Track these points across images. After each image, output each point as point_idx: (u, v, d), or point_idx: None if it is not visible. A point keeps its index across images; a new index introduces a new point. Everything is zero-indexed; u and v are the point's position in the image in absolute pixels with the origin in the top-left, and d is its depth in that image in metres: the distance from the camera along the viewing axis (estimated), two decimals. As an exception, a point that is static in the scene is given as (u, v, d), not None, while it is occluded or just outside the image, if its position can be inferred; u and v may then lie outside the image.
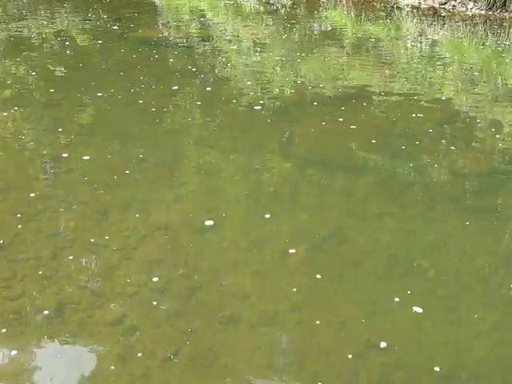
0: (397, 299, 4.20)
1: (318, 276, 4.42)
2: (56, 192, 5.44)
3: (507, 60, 9.67)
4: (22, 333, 3.92)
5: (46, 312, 4.06)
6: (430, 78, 8.92)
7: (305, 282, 4.39)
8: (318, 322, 4.02)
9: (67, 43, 10.28)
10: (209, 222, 4.98)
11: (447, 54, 10.12)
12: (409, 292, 4.27)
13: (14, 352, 3.79)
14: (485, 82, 8.76)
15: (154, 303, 4.15)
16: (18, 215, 5.02)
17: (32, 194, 5.33)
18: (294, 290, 4.30)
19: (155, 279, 4.36)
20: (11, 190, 5.44)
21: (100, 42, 10.34)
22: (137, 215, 5.09)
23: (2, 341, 3.88)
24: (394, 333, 3.95)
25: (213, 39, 10.71)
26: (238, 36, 11.06)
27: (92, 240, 4.73)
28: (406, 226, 5.07)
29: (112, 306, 4.13)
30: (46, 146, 6.34)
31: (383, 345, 3.83)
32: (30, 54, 9.63)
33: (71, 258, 4.54)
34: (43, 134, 6.66)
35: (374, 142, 6.47)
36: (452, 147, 6.45)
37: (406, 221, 5.15)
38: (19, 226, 4.87)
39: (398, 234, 4.99)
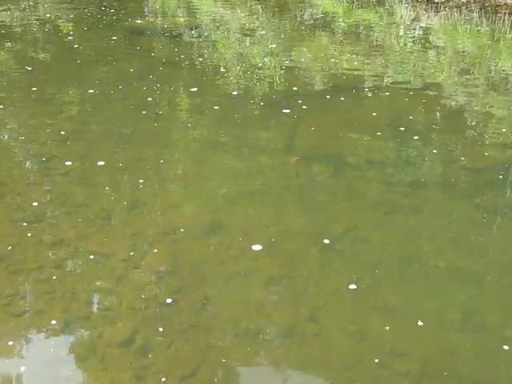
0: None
1: (334, 281, 4.18)
2: (54, 195, 5.09)
3: (502, 47, 9.44)
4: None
5: (51, 332, 3.75)
6: (424, 66, 8.68)
7: (322, 288, 4.14)
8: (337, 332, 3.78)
9: (52, 33, 9.82)
10: (212, 229, 4.71)
11: (441, 41, 9.87)
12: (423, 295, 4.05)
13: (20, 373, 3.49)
14: (479, 70, 8.54)
15: (166, 318, 3.87)
16: (17, 222, 4.67)
17: (29, 199, 4.98)
18: (311, 297, 4.05)
19: (165, 291, 4.07)
20: (7, 195, 5.08)
21: (86, 31, 9.92)
22: (141, 219, 4.78)
23: (6, 365, 3.58)
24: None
25: (201, 27, 10.33)
26: (226, 24, 10.69)
27: (96, 249, 4.42)
28: (418, 224, 4.84)
29: (121, 323, 3.83)
30: (39, 145, 5.95)
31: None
32: (14, 45, 9.18)
33: (75, 269, 4.22)
34: (35, 133, 6.28)
35: (378, 134, 6.22)
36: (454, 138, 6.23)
37: (418, 217, 4.92)
38: (18, 235, 4.53)
39: (411, 232, 4.75)
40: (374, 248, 4.53)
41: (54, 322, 3.80)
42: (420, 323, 3.83)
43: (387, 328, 3.79)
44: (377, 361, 3.57)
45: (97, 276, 4.17)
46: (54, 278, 4.13)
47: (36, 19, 10.63)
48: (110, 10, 11.21)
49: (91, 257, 4.33)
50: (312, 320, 3.91)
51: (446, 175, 5.62)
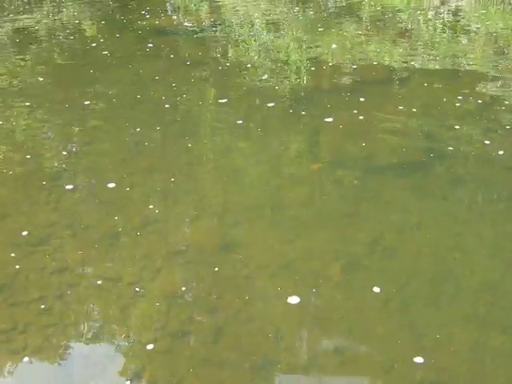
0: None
1: (359, 304, 3.70)
2: (59, 215, 4.68)
3: (537, 27, 8.73)
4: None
5: (51, 371, 3.38)
6: (454, 51, 8.04)
7: (345, 312, 3.66)
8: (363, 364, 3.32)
9: (74, 35, 9.44)
10: (227, 247, 4.26)
11: (472, 24, 9.19)
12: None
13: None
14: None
15: (176, 350, 3.45)
16: (19, 246, 4.30)
17: (33, 220, 4.61)
18: (335, 326, 3.58)
19: (174, 320, 3.65)
20: (9, 216, 4.71)
21: (108, 31, 9.54)
22: (150, 238, 4.36)
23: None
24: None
25: (224, 23, 9.83)
26: (250, 17, 10.17)
27: (101, 275, 4.02)
28: (455, 236, 4.31)
29: (127, 359, 3.43)
30: (47, 158, 5.59)
31: None
32: (37, 49, 8.85)
33: (78, 299, 3.83)
34: (47, 143, 5.92)
35: (411, 132, 5.67)
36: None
37: (455, 228, 4.39)
38: (19, 262, 4.15)
39: (447, 245, 4.22)
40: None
41: (53, 359, 3.43)
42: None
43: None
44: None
45: (102, 305, 3.78)
46: (56, 309, 3.74)
47: (57, 19, 10.31)
48: (132, 8, 10.81)
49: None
50: (336, 349, 3.45)
51: (481, 174, 5.05)
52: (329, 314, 3.67)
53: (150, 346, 3.46)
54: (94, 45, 8.77)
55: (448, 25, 9.15)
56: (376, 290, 3.77)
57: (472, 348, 3.42)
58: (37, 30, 9.81)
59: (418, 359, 3.30)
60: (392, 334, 3.49)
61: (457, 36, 8.74)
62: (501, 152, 5.28)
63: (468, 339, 3.46)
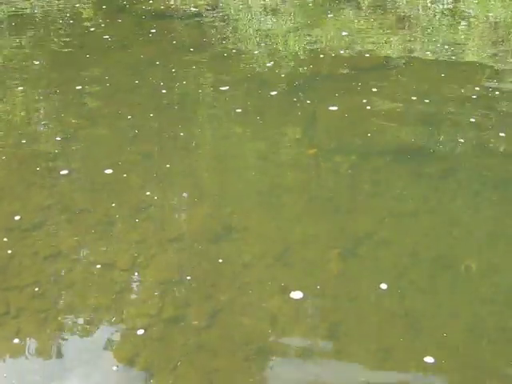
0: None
1: (355, 292, 3.65)
2: (54, 199, 4.62)
3: (538, 15, 8.62)
4: (17, 385, 3.19)
5: (44, 356, 3.33)
6: (454, 38, 7.95)
7: (342, 300, 3.61)
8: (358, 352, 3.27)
9: (73, 19, 9.28)
10: (223, 234, 4.19)
11: (471, 11, 9.07)
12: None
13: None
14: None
15: (170, 337, 3.40)
16: (12, 231, 4.24)
17: (27, 204, 4.53)
18: (330, 314, 3.53)
19: (170, 306, 3.59)
20: (2, 200, 4.63)
21: (107, 15, 9.40)
22: (145, 224, 4.29)
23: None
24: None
25: (221, 7, 9.70)
26: (248, 2, 10.03)
27: (96, 260, 3.96)
28: (451, 224, 4.25)
29: (122, 344, 3.38)
30: (42, 143, 5.50)
31: None
32: (35, 32, 8.72)
33: (72, 284, 3.77)
34: (37, 130, 5.83)
35: (410, 120, 5.59)
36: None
37: (451, 215, 4.33)
38: (13, 246, 4.09)
39: (443, 235, 4.16)
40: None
41: (45, 344, 3.38)
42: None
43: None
44: None
45: (96, 291, 3.72)
46: (49, 294, 3.69)
47: (55, 3, 10.15)
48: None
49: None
50: (332, 337, 3.40)
51: (479, 161, 4.99)
52: (325, 302, 3.62)
53: (143, 333, 3.41)
54: (92, 29, 8.64)
55: (447, 12, 9.04)
56: (374, 278, 3.73)
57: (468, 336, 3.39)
58: (34, 13, 9.67)
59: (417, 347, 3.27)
60: (388, 324, 3.45)
61: (456, 23, 8.64)
62: (498, 139, 5.23)
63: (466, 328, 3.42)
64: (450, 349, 3.26)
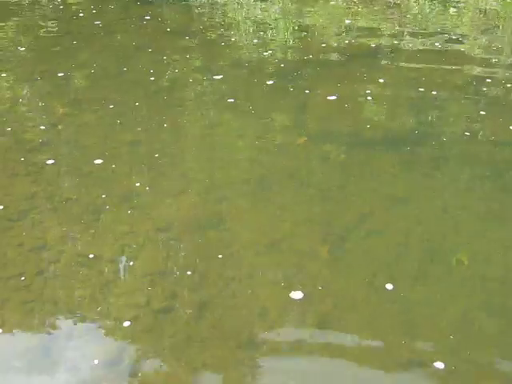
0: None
1: (345, 281, 3.58)
2: (39, 188, 4.50)
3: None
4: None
5: (27, 350, 3.23)
6: (443, 26, 7.88)
7: (332, 289, 3.54)
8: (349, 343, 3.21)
9: (60, 5, 9.10)
10: (211, 223, 4.10)
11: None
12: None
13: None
14: (503, 30, 7.75)
15: (158, 328, 3.32)
16: (-3, 222, 4.13)
17: (12, 194, 4.41)
18: (320, 304, 3.46)
19: (157, 297, 3.51)
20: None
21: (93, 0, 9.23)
22: (133, 213, 4.19)
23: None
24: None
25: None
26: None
27: (82, 250, 3.86)
28: (443, 212, 4.19)
29: (108, 338, 3.30)
30: (27, 131, 5.36)
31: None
32: (21, 18, 8.54)
33: (58, 276, 3.67)
34: (27, 115, 5.69)
35: (400, 107, 5.51)
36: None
37: (443, 204, 4.27)
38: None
39: (435, 222, 4.10)
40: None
41: (30, 337, 3.29)
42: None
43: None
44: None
45: (82, 282, 3.62)
46: (35, 285, 3.59)
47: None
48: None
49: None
50: (322, 327, 3.33)
51: (469, 149, 4.92)
52: (315, 291, 3.55)
53: (131, 324, 3.33)
54: (81, 15, 8.48)
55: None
56: (364, 268, 3.66)
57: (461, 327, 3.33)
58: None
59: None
60: (380, 315, 3.39)
61: (445, 10, 8.57)
62: (489, 127, 5.17)
63: (457, 318, 3.36)
64: (443, 339, 3.21)
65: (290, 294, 3.51)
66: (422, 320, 3.32)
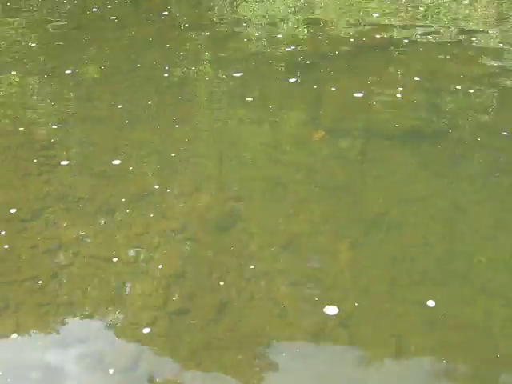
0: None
1: (365, 282, 3.49)
2: (52, 188, 4.41)
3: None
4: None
5: (44, 353, 3.16)
6: (457, 14, 7.74)
7: (350, 290, 3.45)
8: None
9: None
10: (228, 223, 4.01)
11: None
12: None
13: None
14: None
15: (175, 333, 3.24)
16: (9, 222, 4.04)
17: (24, 194, 4.32)
18: (338, 303, 3.37)
19: (174, 300, 3.42)
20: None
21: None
22: (147, 213, 4.10)
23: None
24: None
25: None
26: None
27: (97, 252, 3.78)
28: (460, 212, 4.08)
29: (124, 342, 3.22)
30: (39, 129, 5.26)
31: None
32: (31, 13, 8.43)
33: (73, 278, 3.59)
34: (39, 113, 5.60)
35: (414, 101, 5.40)
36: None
37: (460, 200, 4.16)
38: (11, 239, 3.89)
39: (453, 221, 3.99)
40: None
41: (45, 340, 3.22)
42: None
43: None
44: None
45: (98, 284, 3.55)
46: (50, 288, 3.51)
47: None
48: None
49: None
50: (342, 325, 3.24)
51: (488, 144, 4.79)
52: (335, 293, 3.45)
53: (148, 329, 3.25)
54: (94, 10, 8.36)
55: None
56: (382, 267, 3.57)
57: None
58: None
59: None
60: (402, 313, 3.30)
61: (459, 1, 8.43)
62: (506, 121, 5.05)
63: (476, 317, 3.27)
64: (461, 342, 3.12)
65: (310, 295, 3.43)
66: (444, 322, 3.23)
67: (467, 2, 8.41)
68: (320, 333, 3.21)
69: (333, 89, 5.72)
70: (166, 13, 8.05)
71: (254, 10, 8.28)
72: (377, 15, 7.82)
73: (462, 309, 3.31)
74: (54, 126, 5.22)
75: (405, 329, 3.21)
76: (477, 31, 7.20)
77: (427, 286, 3.45)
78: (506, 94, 5.58)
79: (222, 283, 3.52)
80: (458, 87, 5.68)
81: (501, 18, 7.68)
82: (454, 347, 3.10)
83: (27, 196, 4.29)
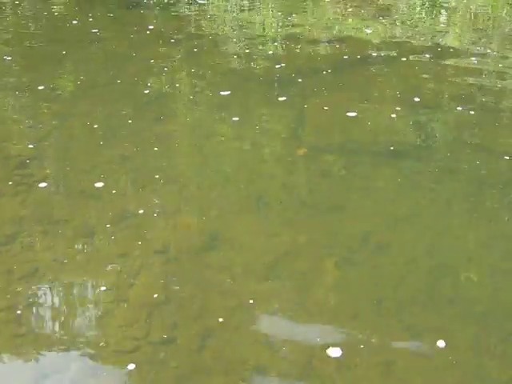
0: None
1: (353, 305, 3.39)
2: (28, 210, 4.23)
3: (519, 4, 8.44)
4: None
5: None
6: (434, 29, 7.76)
7: (340, 316, 3.35)
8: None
9: (45, 12, 8.78)
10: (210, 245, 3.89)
11: (452, 0, 8.89)
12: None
13: None
14: (493, 30, 7.64)
15: (159, 361, 3.10)
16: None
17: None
18: (328, 327, 3.27)
19: (157, 328, 3.28)
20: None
21: (78, 5, 8.96)
22: (127, 235, 3.95)
23: None
24: None
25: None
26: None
27: (75, 278, 3.62)
28: (450, 230, 4.01)
29: (107, 372, 3.07)
30: (13, 146, 5.08)
31: None
32: (5, 25, 8.24)
33: (51, 307, 3.43)
34: (13, 130, 5.42)
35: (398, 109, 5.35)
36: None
37: (447, 218, 4.10)
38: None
39: (442, 238, 3.93)
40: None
41: (23, 373, 3.06)
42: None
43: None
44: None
45: (77, 313, 3.40)
46: (26, 317, 3.35)
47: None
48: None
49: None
50: (331, 352, 3.14)
51: (474, 161, 4.73)
52: (322, 318, 3.35)
53: (130, 358, 3.11)
54: (74, 22, 8.17)
55: (426, 1, 8.81)
56: (373, 289, 3.48)
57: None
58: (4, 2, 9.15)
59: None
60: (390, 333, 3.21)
61: (436, 12, 8.45)
62: (495, 138, 5.03)
63: (469, 339, 3.19)
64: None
65: (295, 319, 3.32)
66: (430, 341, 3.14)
67: (444, 14, 8.44)
68: (307, 364, 3.11)
69: (316, 105, 5.63)
70: (152, 27, 7.88)
71: (239, 27, 8.17)
72: (357, 27, 7.80)
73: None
74: (30, 144, 5.02)
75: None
76: (453, 44, 7.22)
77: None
78: (486, 109, 5.57)
79: (205, 309, 3.39)
80: (443, 103, 5.66)
81: (478, 32, 7.70)
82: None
83: (2, 218, 4.11)
